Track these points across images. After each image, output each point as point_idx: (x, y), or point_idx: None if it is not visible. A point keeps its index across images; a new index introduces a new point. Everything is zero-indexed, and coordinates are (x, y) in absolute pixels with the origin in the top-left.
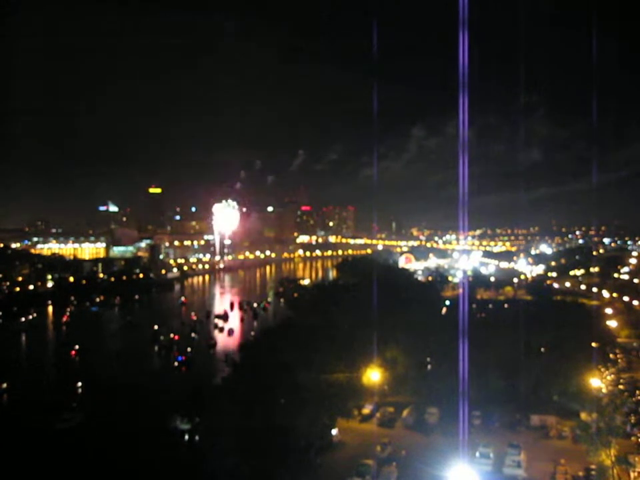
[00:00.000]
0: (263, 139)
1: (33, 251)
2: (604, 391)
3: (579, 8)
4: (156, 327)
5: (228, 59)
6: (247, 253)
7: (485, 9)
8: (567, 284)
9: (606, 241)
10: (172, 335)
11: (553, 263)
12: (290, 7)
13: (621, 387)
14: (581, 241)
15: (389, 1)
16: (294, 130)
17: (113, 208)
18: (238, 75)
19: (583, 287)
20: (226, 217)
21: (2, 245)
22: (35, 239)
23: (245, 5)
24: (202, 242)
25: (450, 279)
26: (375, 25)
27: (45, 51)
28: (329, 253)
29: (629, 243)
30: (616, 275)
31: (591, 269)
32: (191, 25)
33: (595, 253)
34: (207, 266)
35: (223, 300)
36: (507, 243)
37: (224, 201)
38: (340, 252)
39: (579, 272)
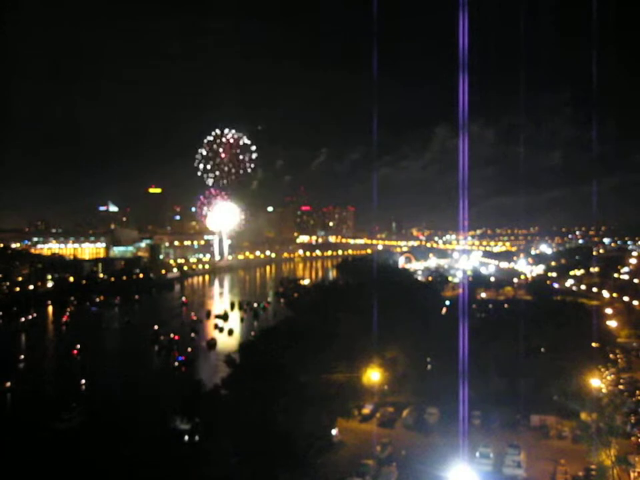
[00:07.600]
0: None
1: (33, 250)
2: (604, 391)
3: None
4: (156, 327)
5: (232, 57)
6: (247, 253)
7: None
8: (567, 284)
9: (606, 241)
10: (172, 335)
11: (553, 263)
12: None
13: (621, 387)
14: (581, 241)
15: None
16: (294, 131)
17: (113, 208)
18: (239, 74)
19: (583, 287)
20: (226, 217)
21: (2, 245)
22: (35, 239)
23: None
24: (202, 242)
25: (450, 279)
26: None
27: (44, 51)
28: (329, 252)
29: (628, 243)
30: (616, 275)
31: (591, 269)
32: (191, 26)
33: (594, 252)
34: (206, 266)
35: (223, 300)
36: (507, 243)
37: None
38: (340, 252)
39: (579, 272)
